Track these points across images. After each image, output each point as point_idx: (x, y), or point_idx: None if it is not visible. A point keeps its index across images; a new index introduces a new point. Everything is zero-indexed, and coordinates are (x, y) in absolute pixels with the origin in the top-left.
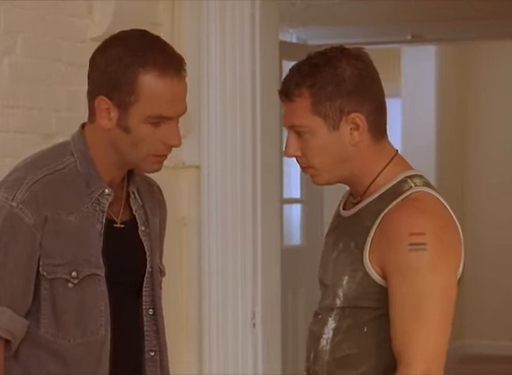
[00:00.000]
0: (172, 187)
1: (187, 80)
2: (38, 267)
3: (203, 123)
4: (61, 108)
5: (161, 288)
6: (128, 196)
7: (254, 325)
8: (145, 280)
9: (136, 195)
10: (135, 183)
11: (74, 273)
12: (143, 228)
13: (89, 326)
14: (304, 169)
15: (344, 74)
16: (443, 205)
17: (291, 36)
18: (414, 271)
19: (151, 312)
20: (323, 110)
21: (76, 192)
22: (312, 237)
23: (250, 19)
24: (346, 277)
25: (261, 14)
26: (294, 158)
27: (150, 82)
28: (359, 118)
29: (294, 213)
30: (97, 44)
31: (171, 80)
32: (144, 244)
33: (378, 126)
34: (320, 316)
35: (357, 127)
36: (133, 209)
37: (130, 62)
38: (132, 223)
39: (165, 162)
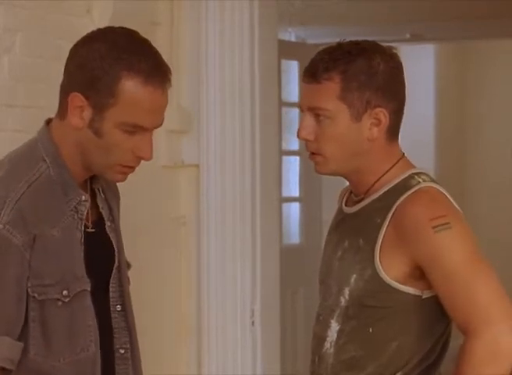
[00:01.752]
0: (171, 185)
1: (186, 79)
2: (27, 288)
3: (202, 122)
4: None
5: (129, 283)
6: (93, 195)
7: (252, 323)
8: (112, 275)
9: (101, 191)
10: (98, 179)
11: (65, 292)
12: (109, 223)
13: (79, 344)
14: (311, 155)
15: (378, 68)
16: (451, 200)
17: (290, 35)
18: (446, 250)
19: (118, 308)
20: (350, 98)
21: (54, 202)
22: (311, 235)
23: (249, 18)
24: (355, 276)
25: (260, 13)
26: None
27: (132, 88)
28: (383, 113)
29: (293, 212)
30: None
31: (154, 90)
32: (112, 240)
33: (394, 127)
34: (321, 318)
35: (378, 123)
36: (100, 207)
37: (114, 63)
38: (99, 222)
39: (165, 161)
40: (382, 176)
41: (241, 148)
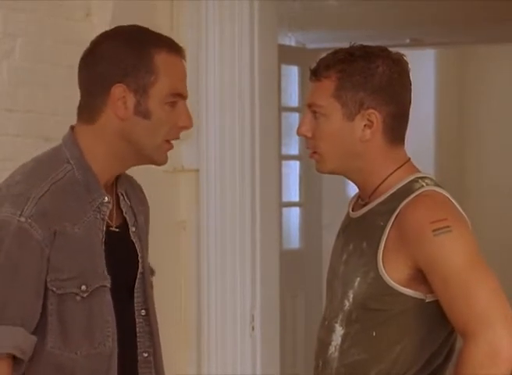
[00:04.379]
0: (171, 190)
1: (187, 81)
2: (46, 283)
3: (202, 127)
4: (60, 112)
5: (152, 288)
6: (118, 198)
7: (252, 328)
8: (137, 281)
9: (125, 196)
10: (123, 184)
11: (84, 287)
12: (133, 229)
13: (96, 338)
14: (311, 154)
15: (376, 70)
16: (454, 204)
17: (290, 39)
18: (447, 251)
19: (143, 312)
20: (343, 97)
21: (77, 201)
22: (311, 240)
23: (248, 23)
24: (358, 279)
25: (259, 17)
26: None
27: (165, 59)
28: (375, 115)
29: (293, 216)
30: None
31: (180, 58)
32: (136, 245)
33: (394, 132)
34: (326, 323)
35: (370, 125)
36: (123, 211)
37: (140, 44)
38: (124, 226)
39: (164, 166)
40: (386, 179)
41: (241, 153)
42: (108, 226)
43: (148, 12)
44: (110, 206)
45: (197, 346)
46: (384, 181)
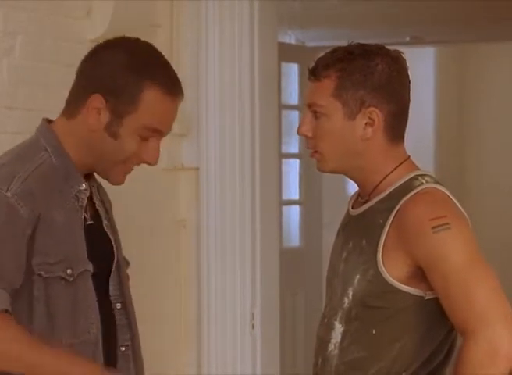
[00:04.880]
0: (171, 189)
1: (186, 82)
2: (32, 267)
3: (201, 125)
4: (59, 110)
5: (128, 279)
6: (90, 191)
7: (252, 326)
8: (112, 273)
9: (96, 190)
10: (94, 178)
11: (69, 271)
12: (106, 222)
13: (80, 325)
14: (312, 153)
15: (375, 68)
16: (454, 201)
17: (290, 37)
18: (446, 249)
19: (118, 306)
20: (344, 96)
21: (57, 188)
22: (311, 238)
23: (248, 21)
24: (358, 276)
25: (259, 16)
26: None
27: (153, 98)
28: (376, 113)
29: (293, 214)
30: None
31: (172, 101)
32: (110, 237)
33: (394, 130)
34: (326, 320)
35: (372, 123)
36: (96, 204)
37: (138, 73)
38: (97, 218)
39: (164, 164)
40: (386, 177)
41: (241, 151)
42: (84, 219)
43: (148, 10)
44: (87, 194)
45: (197, 344)
46: (384, 179)
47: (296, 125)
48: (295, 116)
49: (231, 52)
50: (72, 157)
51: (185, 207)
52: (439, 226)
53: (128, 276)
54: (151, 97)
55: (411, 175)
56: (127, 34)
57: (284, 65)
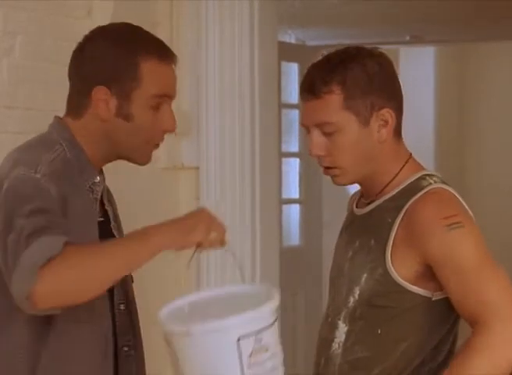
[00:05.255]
0: (171, 188)
1: (186, 81)
2: None
3: (202, 124)
4: (60, 109)
5: (132, 281)
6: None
7: None
8: None
9: (105, 191)
10: (104, 180)
11: None
12: (113, 223)
13: (96, 313)
14: (326, 169)
15: (373, 71)
16: (461, 201)
17: (290, 37)
18: (461, 245)
19: (122, 307)
20: (355, 106)
21: (73, 179)
22: (311, 237)
23: (248, 20)
24: (365, 275)
25: (259, 15)
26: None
27: (152, 67)
28: (389, 113)
29: (293, 213)
30: None
31: (169, 64)
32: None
33: (398, 125)
34: (330, 319)
35: (385, 124)
36: (105, 204)
37: (127, 49)
38: (105, 218)
39: (164, 164)
40: (395, 176)
41: (241, 150)
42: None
43: (148, 9)
44: (102, 186)
45: None
46: (394, 178)
47: (297, 124)
48: (295, 115)
49: (231, 51)
50: (87, 151)
51: (185, 206)
52: (452, 224)
53: (132, 278)
54: (149, 67)
55: (419, 174)
56: None
57: (284, 64)
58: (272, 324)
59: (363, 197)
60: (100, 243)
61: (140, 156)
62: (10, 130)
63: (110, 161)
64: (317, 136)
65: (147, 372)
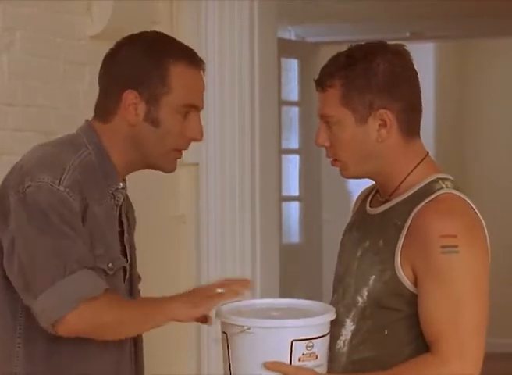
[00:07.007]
0: (170, 184)
1: None
2: None
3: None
4: (59, 106)
5: (139, 294)
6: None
7: None
8: (124, 287)
9: (125, 201)
10: (126, 188)
11: (110, 265)
12: (126, 235)
13: None
14: (332, 161)
15: (377, 69)
16: (472, 207)
17: (290, 33)
18: (447, 274)
19: None
20: (351, 103)
21: (97, 184)
22: (311, 234)
23: (248, 17)
24: (373, 276)
25: (259, 11)
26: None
27: (182, 72)
28: (387, 115)
29: (293, 210)
30: (96, 41)
31: (198, 71)
32: (127, 251)
33: (409, 126)
34: (336, 317)
35: (384, 124)
36: (122, 215)
37: (158, 55)
38: (120, 228)
39: None
40: (407, 176)
41: (241, 147)
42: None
43: (148, 7)
44: (124, 193)
45: (196, 342)
46: (405, 179)
47: (297, 120)
48: (295, 111)
49: (231, 47)
50: (113, 157)
51: (185, 203)
52: (447, 246)
53: (139, 292)
54: (179, 72)
55: (433, 177)
56: (127, 31)
57: (284, 60)
58: (325, 336)
59: (379, 194)
60: (127, 298)
61: (166, 163)
62: (10, 126)
63: (135, 169)
64: (322, 127)
65: (146, 372)
